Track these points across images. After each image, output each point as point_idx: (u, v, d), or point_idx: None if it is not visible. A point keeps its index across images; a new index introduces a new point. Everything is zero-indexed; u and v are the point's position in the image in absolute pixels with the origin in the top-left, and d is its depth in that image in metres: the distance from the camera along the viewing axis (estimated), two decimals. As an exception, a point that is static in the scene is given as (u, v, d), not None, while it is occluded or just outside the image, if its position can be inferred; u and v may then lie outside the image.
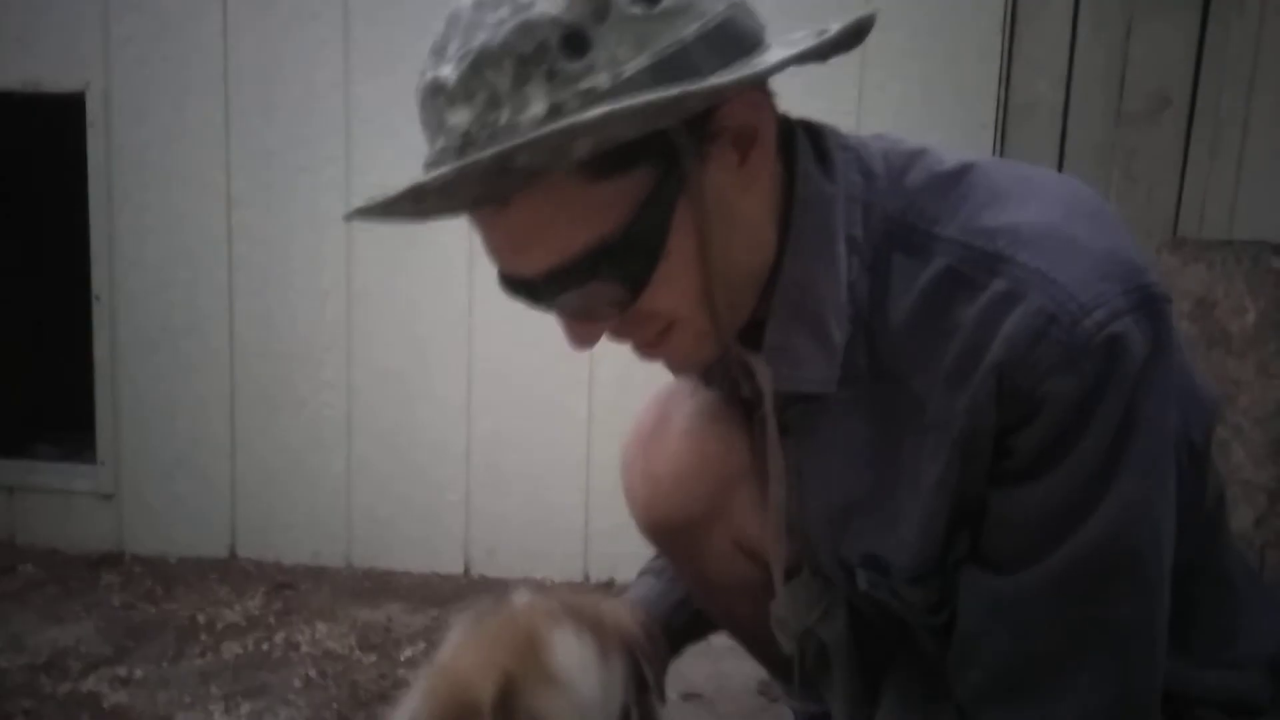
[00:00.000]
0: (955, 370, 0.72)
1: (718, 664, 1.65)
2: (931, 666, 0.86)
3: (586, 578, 2.19)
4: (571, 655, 0.82)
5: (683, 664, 1.73)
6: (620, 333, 0.77)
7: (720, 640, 1.25)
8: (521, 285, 0.73)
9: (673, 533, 1.04)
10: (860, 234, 0.78)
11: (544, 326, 2.38)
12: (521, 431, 2.19)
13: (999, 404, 0.71)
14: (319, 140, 2.16)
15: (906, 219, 0.77)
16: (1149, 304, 0.69)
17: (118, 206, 2.24)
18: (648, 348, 0.79)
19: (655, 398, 1.05)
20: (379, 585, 2.17)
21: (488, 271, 2.45)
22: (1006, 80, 2.03)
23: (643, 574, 1.20)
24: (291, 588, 2.15)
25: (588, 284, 0.70)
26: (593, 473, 2.16)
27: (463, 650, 0.85)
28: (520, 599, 0.90)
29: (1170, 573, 0.75)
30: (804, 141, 0.78)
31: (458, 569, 2.23)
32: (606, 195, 0.68)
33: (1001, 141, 2.03)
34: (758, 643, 1.19)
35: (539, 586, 1.02)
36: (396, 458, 2.23)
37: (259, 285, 2.23)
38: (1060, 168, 2.06)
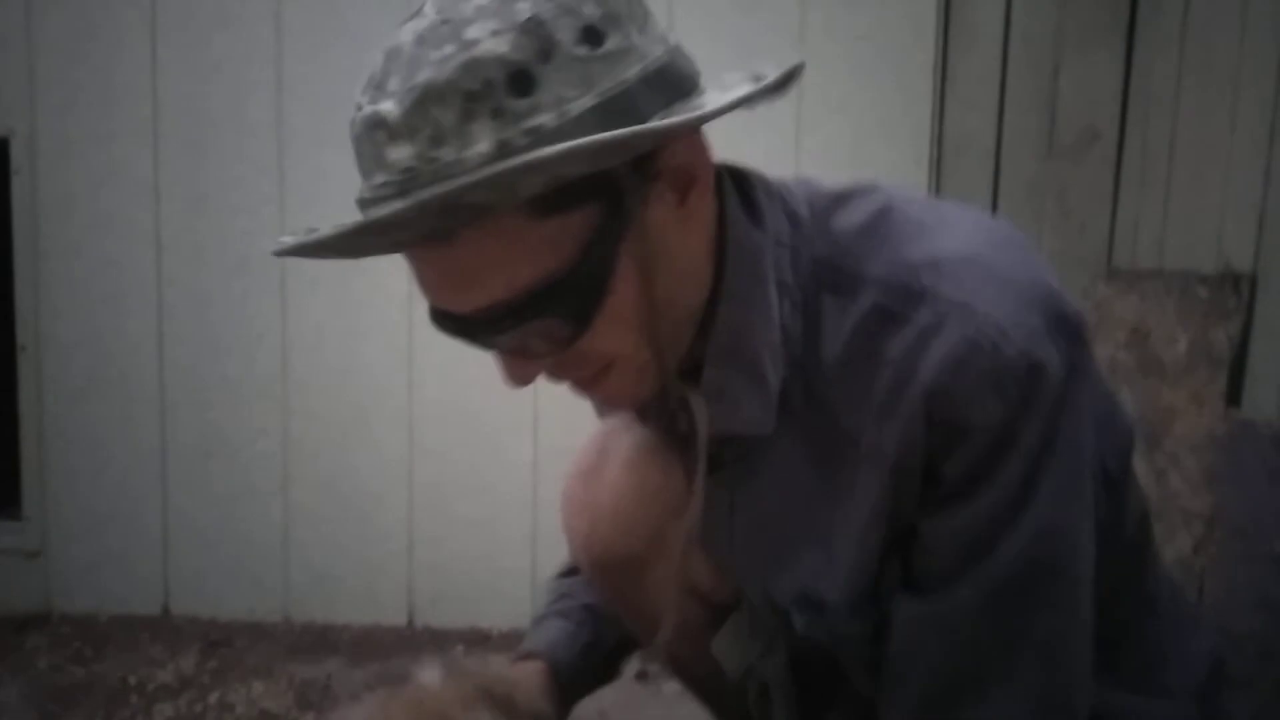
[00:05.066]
0: (885, 401, 0.74)
1: (668, 711, 1.62)
2: (867, 704, 0.86)
3: (534, 620, 2.15)
4: None
5: (633, 712, 1.70)
6: (559, 371, 0.76)
7: (671, 686, 1.23)
8: (458, 322, 0.72)
9: (614, 568, 1.02)
10: (790, 278, 0.79)
11: (486, 370, 2.36)
12: (464, 477, 2.15)
13: (928, 431, 0.72)
14: (250, 183, 2.12)
15: (833, 261, 0.79)
16: (1065, 328, 0.72)
17: (44, 254, 2.18)
18: (587, 385, 0.78)
19: (593, 435, 1.03)
20: (318, 640, 2.11)
21: (426, 314, 2.42)
22: (940, 119, 2.06)
23: (545, 617, 1.18)
24: (227, 645, 2.08)
25: (531, 321, 0.70)
26: (539, 517, 2.13)
27: None
28: (430, 678, 0.87)
29: (1092, 590, 0.77)
30: (729, 186, 0.79)
31: (401, 620, 2.17)
32: (551, 232, 0.68)
33: (937, 178, 2.06)
34: (700, 683, 1.17)
35: (451, 660, 0.99)
36: (335, 507, 2.17)
37: (189, 332, 2.17)
38: (994, 203, 2.09)
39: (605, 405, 0.79)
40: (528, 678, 1.01)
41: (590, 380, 0.77)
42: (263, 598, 2.19)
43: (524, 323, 0.70)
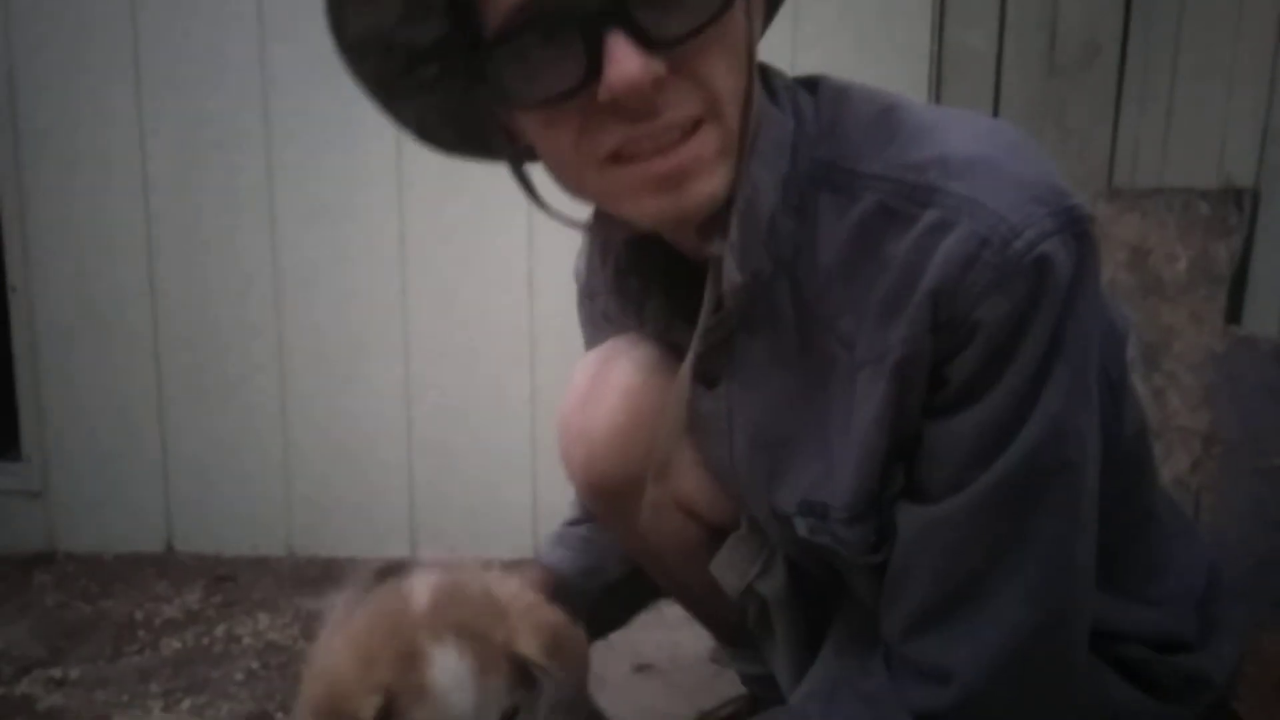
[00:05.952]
0: (889, 302, 0.73)
1: (671, 634, 1.64)
2: (869, 615, 0.86)
3: (536, 554, 2.17)
4: (448, 672, 0.82)
5: (635, 635, 1.72)
6: (660, 92, 0.68)
7: (673, 610, 1.23)
8: None
9: (612, 493, 1.03)
10: (789, 174, 0.77)
11: (481, 302, 2.33)
12: (463, 410, 2.15)
13: (935, 331, 0.71)
14: (235, 116, 2.08)
15: (834, 160, 0.77)
16: (1074, 225, 0.71)
17: (29, 193, 2.14)
18: (673, 143, 0.71)
19: (590, 359, 1.03)
20: (322, 573, 2.13)
21: (420, 245, 2.38)
22: (940, 33, 2.01)
23: (549, 546, 1.19)
24: (232, 580, 2.10)
25: None
26: (539, 449, 2.13)
27: (345, 655, 0.84)
28: (420, 592, 0.87)
29: (1096, 495, 0.77)
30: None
31: (404, 553, 2.18)
32: None
33: (936, 96, 2.02)
34: (700, 604, 1.18)
35: (444, 565, 1.00)
36: (335, 441, 2.17)
37: (180, 269, 2.15)
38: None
39: (678, 190, 0.72)
40: (519, 596, 1.01)
41: (680, 133, 0.71)
42: (265, 533, 2.20)
43: None
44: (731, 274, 0.78)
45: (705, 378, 0.88)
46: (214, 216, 2.13)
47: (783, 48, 1.98)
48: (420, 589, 0.88)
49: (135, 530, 2.22)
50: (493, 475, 2.15)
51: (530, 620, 0.87)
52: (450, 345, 2.13)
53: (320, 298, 2.14)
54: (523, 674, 0.85)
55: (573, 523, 1.23)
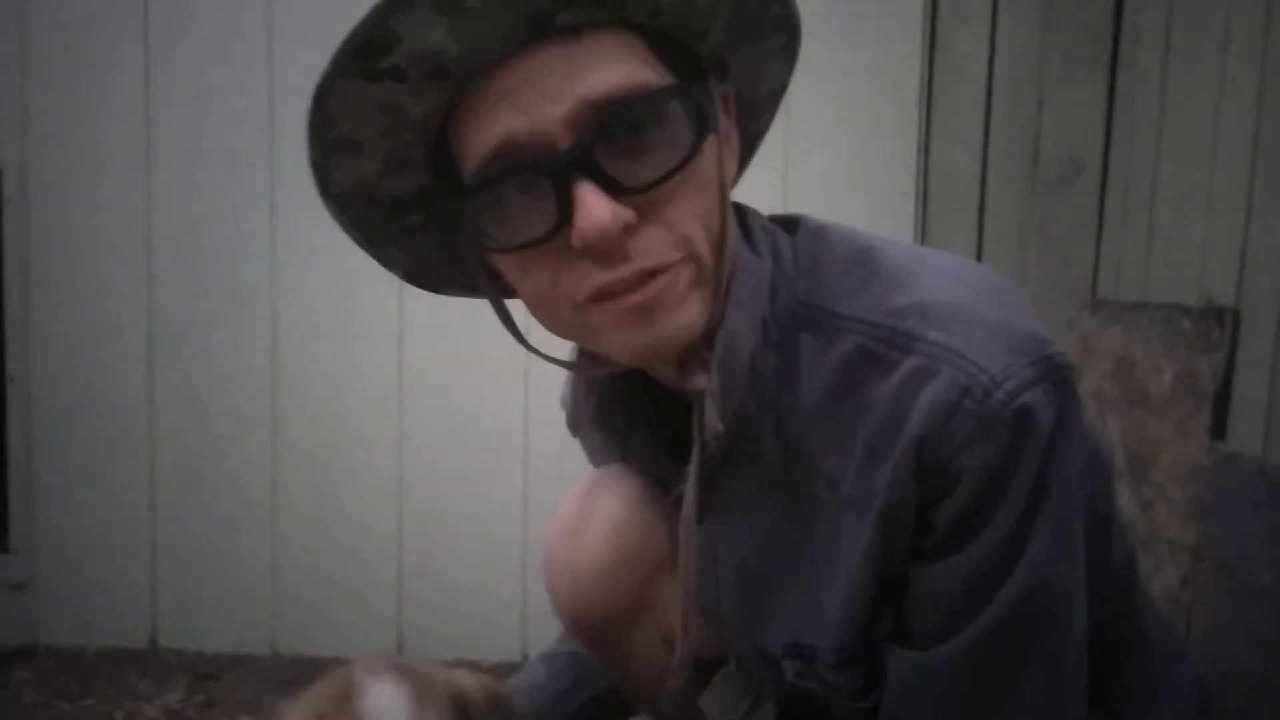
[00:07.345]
0: (874, 446, 0.73)
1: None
2: None
3: (525, 657, 2.15)
4: (381, 700, 0.82)
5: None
6: (632, 237, 0.69)
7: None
8: (578, 117, 0.68)
9: (598, 628, 1.02)
10: (768, 313, 0.78)
11: (476, 402, 2.34)
12: (454, 510, 2.15)
13: (919, 478, 0.71)
14: (242, 215, 2.13)
15: (814, 301, 0.78)
16: (1054, 374, 0.71)
17: (34, 284, 2.18)
18: (644, 279, 0.71)
19: (577, 490, 1.03)
20: (306, 673, 2.09)
21: (417, 345, 2.39)
22: (925, 151, 2.08)
23: (533, 662, 1.18)
24: (214, 678, 2.07)
25: (666, 105, 0.70)
26: (529, 550, 2.13)
27: (293, 713, 0.85)
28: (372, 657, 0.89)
29: (1085, 633, 0.76)
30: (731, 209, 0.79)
31: (390, 652, 2.16)
32: (663, 70, 0.71)
33: (923, 210, 2.08)
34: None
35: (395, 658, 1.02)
36: (324, 539, 2.17)
37: (179, 363, 2.18)
38: (980, 234, 2.11)
39: (651, 328, 0.72)
40: (467, 674, 1.01)
41: (651, 270, 0.71)
42: (251, 630, 2.18)
43: (660, 105, 0.69)
44: (714, 422, 0.79)
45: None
46: (215, 312, 2.16)
47: (773, 163, 2.04)
48: (371, 658, 0.89)
49: (119, 624, 2.20)
50: (482, 576, 2.14)
51: (477, 681, 0.88)
52: (443, 445, 2.14)
53: (316, 394, 2.16)
54: (463, 714, 0.84)
55: (557, 644, 1.22)
